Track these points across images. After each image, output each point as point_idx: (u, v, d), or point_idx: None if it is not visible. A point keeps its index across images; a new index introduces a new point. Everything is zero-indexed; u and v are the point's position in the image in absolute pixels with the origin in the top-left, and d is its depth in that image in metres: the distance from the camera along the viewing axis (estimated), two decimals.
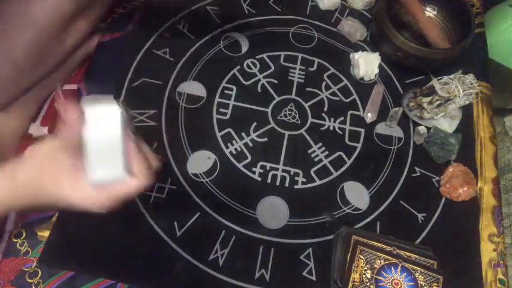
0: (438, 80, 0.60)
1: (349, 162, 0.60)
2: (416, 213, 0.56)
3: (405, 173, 0.60)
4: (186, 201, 0.54)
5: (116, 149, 0.34)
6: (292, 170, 0.58)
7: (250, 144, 0.60)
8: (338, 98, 0.65)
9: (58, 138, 0.35)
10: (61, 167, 0.34)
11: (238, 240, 0.52)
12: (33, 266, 0.49)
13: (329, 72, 0.67)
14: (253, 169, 0.58)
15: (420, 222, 0.56)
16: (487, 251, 0.54)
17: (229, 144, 0.59)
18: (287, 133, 0.61)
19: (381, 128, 0.63)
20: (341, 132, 0.62)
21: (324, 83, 0.66)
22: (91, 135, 0.33)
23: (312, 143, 0.61)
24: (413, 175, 0.59)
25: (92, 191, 0.34)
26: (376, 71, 0.66)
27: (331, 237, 0.53)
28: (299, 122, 0.62)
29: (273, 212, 0.55)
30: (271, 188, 0.56)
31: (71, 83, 0.61)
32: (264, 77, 0.66)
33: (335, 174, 0.58)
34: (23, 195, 0.35)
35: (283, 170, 0.58)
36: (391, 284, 0.47)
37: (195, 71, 0.65)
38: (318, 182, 0.58)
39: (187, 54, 0.66)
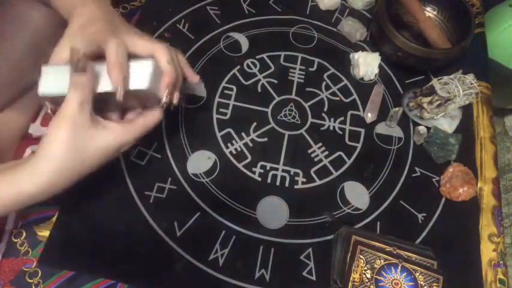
0: (438, 80, 0.60)
1: (349, 162, 0.60)
2: (416, 213, 0.57)
3: (405, 173, 0.60)
4: (186, 201, 0.54)
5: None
6: (292, 170, 0.58)
7: (250, 144, 0.60)
8: (338, 98, 0.65)
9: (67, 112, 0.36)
10: (82, 131, 0.36)
11: (238, 240, 0.52)
12: (33, 266, 0.49)
13: (329, 72, 0.67)
14: (253, 169, 0.58)
15: (420, 222, 0.56)
16: (487, 251, 0.54)
17: (229, 144, 0.59)
18: (287, 133, 0.61)
19: (381, 128, 0.63)
20: (341, 132, 0.62)
21: (324, 83, 0.66)
22: None
23: (312, 143, 0.61)
24: (413, 175, 0.59)
25: (119, 128, 0.39)
26: (376, 71, 0.66)
27: (331, 237, 0.53)
28: (299, 122, 0.62)
29: (273, 212, 0.55)
30: (271, 188, 0.56)
31: None
32: (264, 77, 0.66)
33: (335, 174, 0.59)
34: (62, 173, 0.36)
35: (283, 170, 0.58)
36: (391, 284, 0.47)
37: (195, 71, 0.64)
38: (318, 182, 0.58)
39: (187, 54, 0.66)
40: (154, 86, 0.40)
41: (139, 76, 0.39)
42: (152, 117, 0.42)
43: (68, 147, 0.35)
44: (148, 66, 0.39)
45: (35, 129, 0.57)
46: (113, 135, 0.38)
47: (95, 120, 0.38)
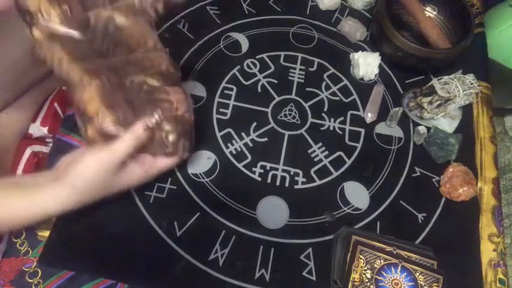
0: (438, 80, 0.60)
1: (349, 162, 0.60)
2: (416, 213, 0.56)
3: (405, 173, 0.60)
4: (186, 201, 0.54)
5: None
6: (292, 170, 0.58)
7: (250, 144, 0.60)
8: (338, 98, 0.65)
9: (97, 153, 0.39)
10: (114, 172, 0.40)
11: (238, 240, 0.52)
12: (33, 266, 0.49)
13: (329, 72, 0.67)
14: (253, 169, 0.58)
15: (420, 222, 0.56)
16: (487, 251, 0.54)
17: (229, 144, 0.59)
18: (287, 133, 0.61)
19: (381, 128, 0.63)
20: (341, 132, 0.62)
21: (324, 83, 0.66)
22: None
23: (312, 143, 0.61)
24: (413, 175, 0.59)
25: (140, 171, 0.43)
26: (376, 71, 0.66)
27: (331, 237, 0.53)
28: (299, 122, 0.62)
29: (273, 212, 0.55)
30: (271, 188, 0.56)
31: None
32: (264, 77, 0.66)
33: (335, 174, 0.58)
34: (82, 200, 0.40)
35: (283, 170, 0.58)
36: (391, 284, 0.47)
37: (195, 71, 0.65)
38: (318, 182, 0.58)
39: (187, 54, 0.66)
40: None
41: None
42: (167, 162, 0.46)
43: (95, 186, 0.40)
44: None
45: (35, 129, 0.57)
46: (135, 178, 0.43)
47: (124, 163, 0.41)
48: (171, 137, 0.44)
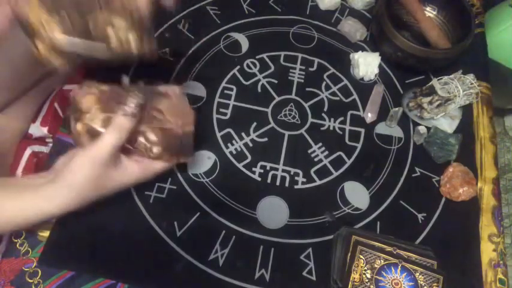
0: (438, 80, 0.60)
1: (349, 162, 0.60)
2: (416, 213, 0.57)
3: (405, 173, 0.60)
4: (186, 201, 0.54)
5: None
6: (292, 170, 0.58)
7: (250, 144, 0.60)
8: (338, 98, 0.65)
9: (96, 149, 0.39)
10: (108, 169, 0.40)
11: (238, 240, 0.52)
12: (33, 266, 0.49)
13: (329, 72, 0.67)
14: (253, 169, 0.58)
15: (420, 222, 0.56)
16: (487, 251, 0.54)
17: (229, 144, 0.59)
18: (287, 133, 0.61)
19: (381, 128, 0.63)
20: (341, 132, 0.62)
21: (324, 83, 0.66)
22: None
23: (312, 143, 0.61)
24: (413, 175, 0.59)
25: (136, 169, 0.43)
26: (376, 71, 0.66)
27: (331, 237, 0.53)
28: (299, 122, 0.62)
29: (273, 212, 0.55)
30: (271, 188, 0.56)
31: (71, 83, 0.61)
32: (264, 77, 0.66)
33: (335, 174, 0.58)
34: (78, 200, 0.40)
35: (283, 170, 0.58)
36: (391, 284, 0.47)
37: (195, 71, 0.65)
38: (318, 182, 0.58)
39: (187, 54, 0.66)
40: None
41: None
42: (164, 164, 0.46)
43: (89, 184, 0.39)
44: None
45: (35, 129, 0.57)
46: (131, 176, 0.43)
47: (119, 159, 0.42)
48: (155, 149, 0.44)
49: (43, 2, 0.34)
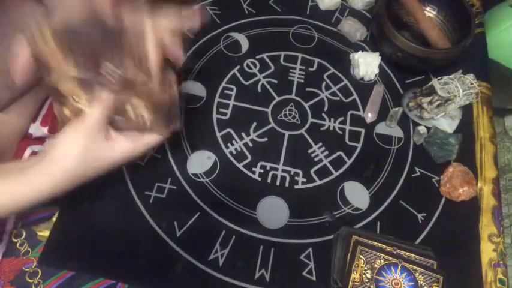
0: (438, 80, 0.60)
1: (349, 162, 0.60)
2: (416, 213, 0.57)
3: (405, 173, 0.60)
4: (186, 201, 0.54)
5: None
6: (292, 170, 0.58)
7: (250, 144, 0.60)
8: (338, 98, 0.65)
9: (83, 122, 0.39)
10: (95, 142, 0.40)
11: (238, 240, 0.52)
12: (33, 266, 0.49)
13: (329, 72, 0.67)
14: (253, 169, 0.58)
15: (420, 222, 0.56)
16: (487, 251, 0.54)
17: (229, 144, 0.59)
18: (287, 133, 0.61)
19: (381, 128, 0.63)
20: (341, 132, 0.62)
21: (324, 83, 0.66)
22: None
23: (312, 143, 0.61)
24: (413, 175, 0.59)
25: (126, 142, 0.42)
26: (376, 71, 0.66)
27: (331, 237, 0.53)
28: (299, 122, 0.62)
29: (273, 212, 0.55)
30: (271, 188, 0.56)
31: None
32: (264, 77, 0.66)
33: (335, 174, 0.58)
34: (71, 178, 0.39)
35: (283, 170, 0.58)
36: (391, 284, 0.47)
37: (195, 71, 0.65)
38: (318, 182, 0.58)
39: (187, 54, 0.66)
40: None
41: None
42: (154, 138, 0.45)
43: (80, 157, 0.39)
44: None
45: (35, 129, 0.57)
46: (121, 150, 0.42)
47: (108, 133, 0.41)
48: (145, 114, 0.44)
49: (60, 47, 0.37)
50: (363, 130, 0.62)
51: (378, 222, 0.55)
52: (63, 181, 0.39)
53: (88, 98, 0.41)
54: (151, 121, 0.44)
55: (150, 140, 0.45)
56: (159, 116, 0.45)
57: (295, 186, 0.57)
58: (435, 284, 0.47)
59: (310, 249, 0.53)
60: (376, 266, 0.48)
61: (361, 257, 0.49)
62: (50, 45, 0.37)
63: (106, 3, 0.39)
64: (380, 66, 0.67)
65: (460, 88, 0.59)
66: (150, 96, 0.44)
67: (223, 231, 0.53)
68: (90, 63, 0.39)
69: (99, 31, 0.38)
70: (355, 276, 0.47)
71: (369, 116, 0.63)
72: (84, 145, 0.39)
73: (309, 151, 0.60)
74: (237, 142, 0.60)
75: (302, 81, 0.66)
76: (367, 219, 0.55)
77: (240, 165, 0.58)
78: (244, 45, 0.68)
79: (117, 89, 0.41)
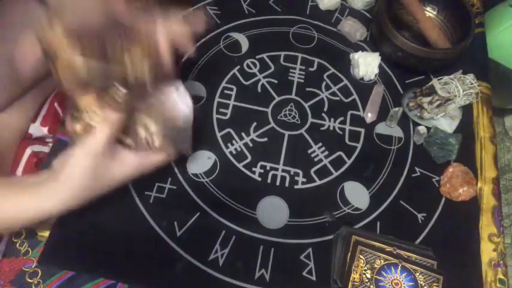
0: (438, 80, 0.60)
1: (349, 162, 0.60)
2: (416, 213, 0.56)
3: (405, 173, 0.60)
4: (186, 201, 0.54)
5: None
6: (292, 170, 0.58)
7: (250, 144, 0.60)
8: (338, 98, 0.65)
9: (93, 141, 0.40)
10: (103, 161, 0.40)
11: (238, 240, 0.52)
12: (33, 266, 0.49)
13: (329, 72, 0.67)
14: (253, 169, 0.58)
15: (420, 222, 0.56)
16: (487, 251, 0.54)
17: (229, 144, 0.59)
18: (287, 133, 0.61)
19: (381, 128, 0.63)
20: (341, 132, 0.62)
21: (324, 83, 0.66)
22: None
23: (312, 143, 0.61)
24: (413, 175, 0.59)
25: (134, 160, 0.43)
26: (376, 71, 0.66)
27: (331, 237, 0.53)
28: (299, 122, 0.62)
29: (273, 212, 0.55)
30: (271, 188, 0.56)
31: None
32: (264, 77, 0.66)
33: (335, 174, 0.58)
34: (78, 194, 0.40)
35: (283, 170, 0.58)
36: (391, 284, 0.47)
37: (195, 71, 0.65)
38: (318, 182, 0.58)
39: (187, 54, 0.66)
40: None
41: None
42: (164, 156, 0.46)
43: (88, 177, 0.40)
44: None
45: (35, 129, 0.57)
46: (128, 168, 0.43)
47: (115, 152, 0.42)
48: (156, 139, 0.44)
49: (66, 31, 0.37)
50: (363, 130, 0.62)
51: (378, 222, 0.55)
52: (69, 198, 0.40)
53: (102, 117, 0.41)
54: (161, 143, 0.44)
55: (157, 158, 0.45)
56: (168, 138, 0.45)
57: (295, 186, 0.57)
58: (435, 284, 0.47)
59: (310, 249, 0.53)
60: (376, 266, 0.48)
61: (361, 257, 0.49)
62: (62, 44, 0.37)
63: (121, 3, 0.39)
64: (380, 66, 0.67)
65: (460, 88, 0.59)
66: (160, 114, 0.44)
67: (223, 231, 0.53)
68: (96, 49, 0.38)
69: (112, 29, 0.38)
70: (355, 276, 0.47)
71: (369, 116, 0.63)
72: (92, 163, 0.39)
73: (309, 151, 0.60)
74: (237, 142, 0.60)
75: (302, 81, 0.66)
76: (367, 219, 0.55)
77: (240, 165, 0.58)
78: (244, 45, 0.68)
79: (124, 109, 0.41)
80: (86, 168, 0.39)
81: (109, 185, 0.42)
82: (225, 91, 0.64)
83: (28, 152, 0.56)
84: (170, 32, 0.41)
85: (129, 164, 0.43)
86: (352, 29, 0.70)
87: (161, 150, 0.45)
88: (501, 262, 0.54)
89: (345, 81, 0.67)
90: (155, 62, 0.41)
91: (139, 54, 0.39)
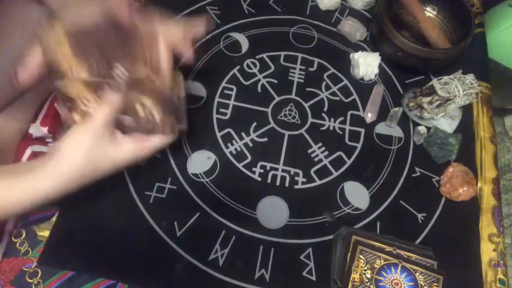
0: (438, 80, 0.60)
1: (349, 162, 0.60)
2: (416, 213, 0.56)
3: (405, 173, 0.60)
4: (186, 201, 0.54)
5: None
6: (292, 170, 0.58)
7: (250, 144, 0.60)
8: (338, 98, 0.65)
9: (88, 124, 0.40)
10: (101, 143, 0.40)
11: (238, 240, 0.52)
12: (33, 266, 0.49)
13: (329, 72, 0.67)
14: (253, 169, 0.58)
15: (420, 222, 0.56)
16: (487, 251, 0.54)
17: (229, 144, 0.59)
18: (287, 133, 0.61)
19: (381, 128, 0.63)
20: (341, 132, 0.62)
21: (324, 83, 0.66)
22: None
23: (312, 143, 0.61)
24: (413, 175, 0.59)
25: (131, 144, 0.42)
26: (376, 71, 0.66)
27: (331, 237, 0.53)
28: (299, 122, 0.62)
29: (273, 212, 0.55)
30: (271, 188, 0.56)
31: None
32: (264, 77, 0.66)
33: (335, 174, 0.58)
34: (75, 178, 0.39)
35: (283, 170, 0.58)
36: (391, 284, 0.47)
37: (195, 71, 0.65)
38: (318, 182, 0.58)
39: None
40: None
41: None
42: (161, 139, 0.46)
43: (86, 157, 0.39)
44: None
45: (35, 129, 0.57)
46: (126, 152, 0.43)
47: (113, 135, 0.41)
48: (155, 113, 0.44)
49: (73, 48, 0.38)
50: (363, 130, 0.62)
51: (378, 222, 0.55)
52: (67, 180, 0.39)
53: (97, 100, 0.41)
54: (161, 120, 0.44)
55: (155, 141, 0.45)
56: (168, 116, 0.45)
57: (295, 186, 0.57)
58: (435, 284, 0.47)
59: (310, 249, 0.53)
60: (376, 266, 0.48)
61: (361, 257, 0.49)
62: (63, 45, 0.38)
63: (123, 6, 0.39)
64: (380, 66, 0.67)
65: (460, 88, 0.59)
66: (160, 95, 0.44)
67: (223, 231, 0.53)
68: (101, 64, 0.39)
69: (112, 31, 0.39)
70: (355, 276, 0.47)
71: (369, 116, 0.63)
72: (90, 145, 0.39)
73: (309, 151, 0.60)
74: (237, 142, 0.60)
75: (302, 81, 0.66)
76: (367, 219, 0.55)
77: (240, 165, 0.58)
78: (244, 45, 0.68)
79: (125, 90, 0.41)
80: (83, 149, 0.39)
81: (106, 168, 0.42)
82: (225, 91, 0.64)
83: (28, 152, 0.56)
84: (171, 36, 0.42)
85: (127, 146, 0.43)
86: (352, 29, 0.70)
87: (161, 128, 0.45)
88: (501, 262, 0.54)
89: (345, 81, 0.67)
90: (154, 67, 0.41)
91: (142, 62, 0.40)
